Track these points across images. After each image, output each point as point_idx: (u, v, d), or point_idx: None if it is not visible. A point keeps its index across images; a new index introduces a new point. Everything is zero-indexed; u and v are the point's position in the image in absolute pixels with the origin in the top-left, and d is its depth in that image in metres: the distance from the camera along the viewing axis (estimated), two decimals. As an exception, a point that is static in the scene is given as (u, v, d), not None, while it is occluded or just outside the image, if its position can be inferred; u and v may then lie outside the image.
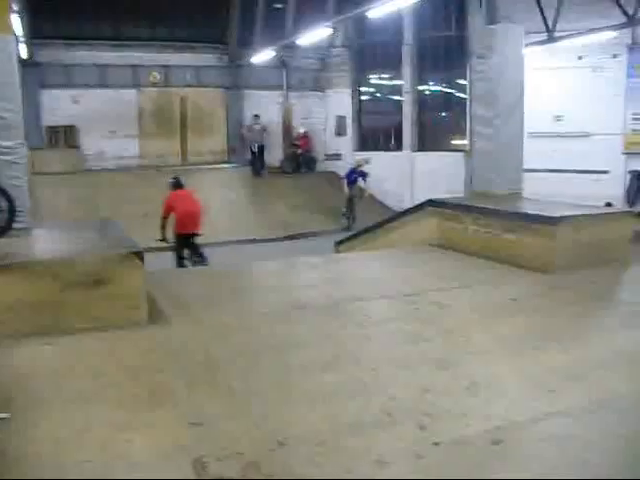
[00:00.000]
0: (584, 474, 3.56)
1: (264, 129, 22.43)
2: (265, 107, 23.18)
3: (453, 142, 21.94)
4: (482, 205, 8.30)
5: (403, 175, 21.99)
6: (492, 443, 4.00)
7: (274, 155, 23.28)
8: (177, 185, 13.10)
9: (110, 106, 20.86)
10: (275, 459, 3.77)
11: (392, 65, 22.81)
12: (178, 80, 22.09)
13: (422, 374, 4.87)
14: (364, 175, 19.80)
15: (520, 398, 4.57)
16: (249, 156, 22.36)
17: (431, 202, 9.11)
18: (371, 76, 23.79)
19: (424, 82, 22.57)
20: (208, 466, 3.65)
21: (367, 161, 19.90)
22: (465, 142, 20.94)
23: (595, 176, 18.28)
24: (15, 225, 7.67)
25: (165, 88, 21.96)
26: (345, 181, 19.79)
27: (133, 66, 21.28)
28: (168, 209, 12.49)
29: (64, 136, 20.60)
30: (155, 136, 21.84)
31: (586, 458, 3.87)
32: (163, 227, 12.43)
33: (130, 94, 21.40)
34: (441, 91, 22.50)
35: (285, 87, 23.62)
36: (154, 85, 21.77)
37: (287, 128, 23.73)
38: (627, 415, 4.45)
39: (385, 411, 4.29)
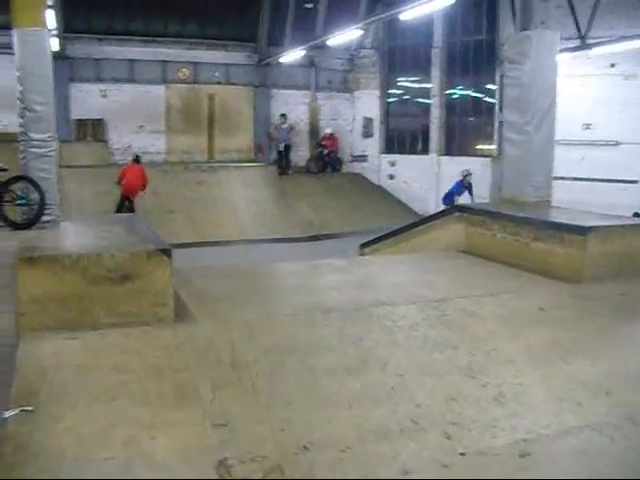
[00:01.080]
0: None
1: (291, 128, 22.47)
2: (293, 107, 23.24)
3: (480, 147, 21.83)
4: (511, 212, 8.21)
5: (429, 179, 21.91)
6: (519, 455, 3.96)
7: (300, 155, 23.33)
8: (135, 161, 17.75)
9: (138, 101, 21.02)
10: (299, 463, 3.76)
11: (421, 68, 22.76)
12: (207, 77, 22.17)
13: (449, 382, 4.82)
14: (471, 188, 17.53)
15: (547, 410, 4.52)
16: (275, 155, 22.39)
17: (458, 207, 9.05)
18: (400, 78, 23.72)
19: (452, 86, 22.48)
20: (232, 468, 3.64)
21: (469, 172, 17.61)
22: (492, 147, 20.82)
23: (623, 185, 18.10)
24: (44, 218, 7.73)
25: (194, 85, 22.05)
26: (456, 198, 16.80)
27: (162, 62, 21.39)
28: (121, 175, 16.97)
29: (92, 130, 20.76)
30: (182, 132, 21.94)
31: (611, 474, 3.82)
32: (118, 183, 16.88)
33: (159, 90, 21.51)
34: (469, 95, 22.38)
35: (313, 87, 23.62)
36: (183, 82, 21.86)
37: (314, 128, 23.72)
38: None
39: (411, 418, 4.25)
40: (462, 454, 3.95)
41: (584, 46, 16.57)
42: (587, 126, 18.76)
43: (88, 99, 20.52)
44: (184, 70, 21.75)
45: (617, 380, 5.12)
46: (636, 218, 13.25)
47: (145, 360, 4.67)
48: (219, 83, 22.33)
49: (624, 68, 18.06)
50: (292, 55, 20.82)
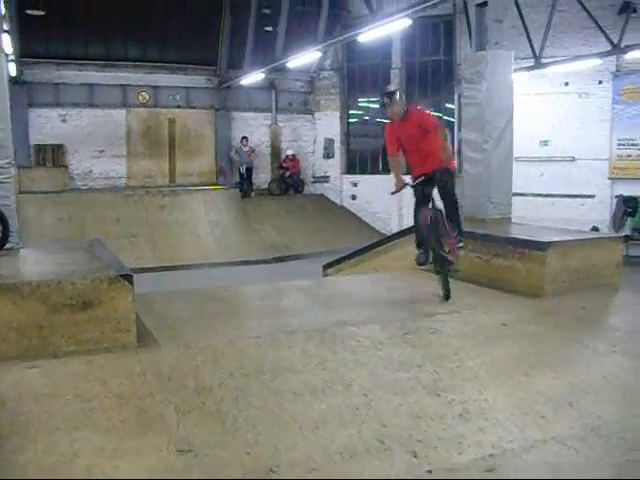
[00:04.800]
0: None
1: (252, 151, 22.45)
2: (254, 129, 23.23)
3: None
4: (471, 230, 8.29)
5: (391, 198, 21.91)
6: (485, 471, 3.98)
7: (262, 177, 23.29)
8: None
9: (99, 126, 20.83)
10: (266, 486, 3.73)
11: (381, 88, 22.90)
12: (167, 101, 22.07)
13: (414, 400, 4.84)
14: None
15: (512, 425, 4.56)
16: (237, 178, 22.36)
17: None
18: (360, 99, 23.86)
19: (412, 106, 22.67)
20: (198, 494, 3.60)
21: None
22: (453, 166, 21.01)
23: (581, 200, 18.41)
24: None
25: (154, 108, 21.91)
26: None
27: (122, 86, 21.23)
28: None
29: (52, 155, 20.49)
30: (143, 157, 21.78)
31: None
32: None
33: (119, 114, 21.35)
34: (429, 115, 22.58)
35: (274, 109, 23.65)
36: (143, 105, 21.73)
37: (275, 150, 23.75)
38: (617, 442, 4.45)
39: (377, 438, 4.26)
40: (429, 471, 3.96)
41: (539, 65, 16.88)
42: (545, 143, 19.06)
43: (47, 124, 20.29)
44: (144, 94, 21.64)
45: (580, 392, 5.18)
46: (594, 232, 13.47)
47: (108, 387, 4.62)
48: (179, 107, 22.24)
49: (578, 86, 18.42)
50: (252, 78, 20.84)
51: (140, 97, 21.62)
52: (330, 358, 5.38)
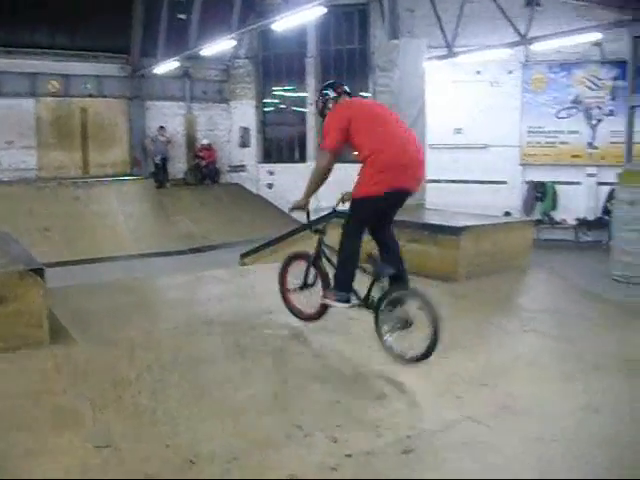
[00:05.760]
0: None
1: (168, 141, 22.14)
2: (169, 118, 22.88)
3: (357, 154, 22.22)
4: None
5: (308, 187, 22.06)
6: (403, 452, 4.05)
7: (178, 167, 23.01)
8: None
9: (6, 116, 20.09)
10: (186, 478, 3.70)
11: (296, 77, 22.93)
12: (79, 90, 21.47)
13: (332, 386, 4.88)
14: None
15: (429, 406, 4.65)
16: (152, 168, 22.01)
17: (335, 213, 9.15)
18: (275, 88, 23.81)
19: (328, 94, 22.77)
20: (116, 489, 3.55)
21: None
22: (368, 153, 21.21)
23: (494, 186, 18.88)
24: None
25: (65, 98, 21.30)
26: None
27: (31, 74, 20.52)
28: None
29: (-44, 147, 19.78)
30: (55, 147, 21.15)
31: (494, 462, 3.97)
32: None
33: (28, 103, 20.63)
34: (345, 103, 22.74)
35: (189, 98, 23.36)
36: (53, 95, 21.09)
37: (191, 139, 23.48)
38: (528, 417, 4.60)
39: (296, 425, 4.27)
40: (348, 455, 4.00)
41: (451, 54, 17.21)
42: (458, 130, 19.45)
43: (-49, 115, 19.56)
44: (54, 82, 20.99)
45: (493, 372, 5.33)
46: (506, 217, 13.86)
47: (20, 385, 4.50)
48: (91, 96, 21.68)
49: (490, 75, 18.88)
50: (166, 66, 20.52)
51: (50, 86, 20.97)
52: (249, 347, 5.38)
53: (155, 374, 4.82)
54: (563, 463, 4.09)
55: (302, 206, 5.85)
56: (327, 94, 5.84)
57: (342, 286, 5.40)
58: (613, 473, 4.00)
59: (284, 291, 6.09)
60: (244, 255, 10.84)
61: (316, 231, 5.63)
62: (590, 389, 5.14)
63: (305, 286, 5.86)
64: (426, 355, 4.97)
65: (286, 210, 21.84)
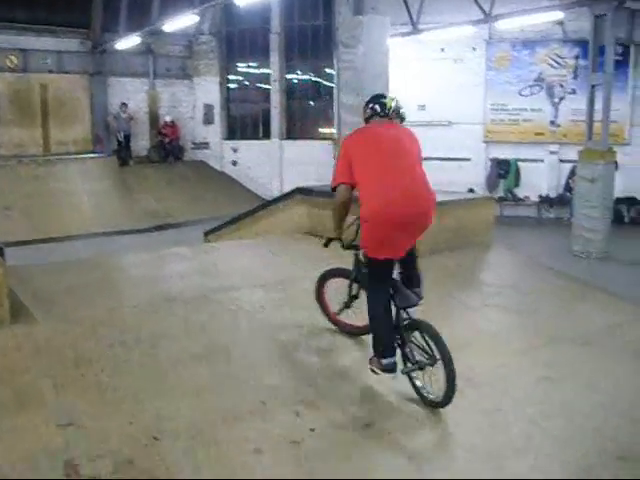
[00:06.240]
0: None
1: (131, 118, 21.86)
2: (131, 95, 22.54)
3: (322, 130, 22.18)
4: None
5: (272, 164, 22.01)
6: (365, 425, 4.09)
7: (141, 144, 22.74)
8: None
9: (-38, 92, 19.72)
10: (150, 455, 3.71)
11: (260, 53, 22.74)
12: (38, 65, 21.04)
13: (296, 361, 4.91)
14: None
15: (391, 381, 4.67)
16: (115, 146, 21.74)
17: (300, 190, 9.14)
18: (239, 64, 23.61)
19: (292, 71, 22.65)
20: (80, 468, 3.54)
21: None
22: (333, 130, 21.20)
23: (458, 163, 18.97)
24: None
25: (24, 73, 20.86)
26: None
27: (-13, 49, 20.14)
28: None
29: None
30: (14, 125, 20.71)
31: (454, 433, 4.03)
32: None
33: (-16, 79, 20.26)
34: (309, 80, 22.65)
35: (152, 74, 23.06)
36: (12, 70, 20.66)
37: (154, 116, 23.21)
38: (488, 389, 4.69)
39: (260, 400, 4.29)
40: (312, 430, 4.03)
41: (415, 31, 17.20)
42: (422, 107, 19.45)
43: None
44: (12, 57, 20.53)
45: (456, 346, 5.37)
46: (469, 194, 13.95)
47: (-20, 364, 4.44)
48: (51, 71, 21.26)
49: (453, 52, 18.91)
50: (128, 41, 20.16)
51: (8, 61, 20.51)
52: (211, 324, 5.37)
53: (118, 352, 4.79)
54: (521, 432, 4.18)
55: (337, 237, 5.01)
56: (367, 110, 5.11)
57: (383, 351, 4.56)
58: (569, 439, 4.11)
59: (329, 314, 5.49)
60: (208, 233, 10.79)
61: (349, 247, 5.02)
62: (548, 361, 5.25)
63: (351, 300, 5.32)
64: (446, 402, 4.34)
65: (251, 187, 21.89)
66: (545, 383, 4.87)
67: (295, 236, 8.25)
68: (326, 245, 5.10)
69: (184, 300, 5.79)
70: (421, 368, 4.48)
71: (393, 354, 4.53)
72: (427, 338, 4.48)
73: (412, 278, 4.84)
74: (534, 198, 18.49)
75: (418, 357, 4.51)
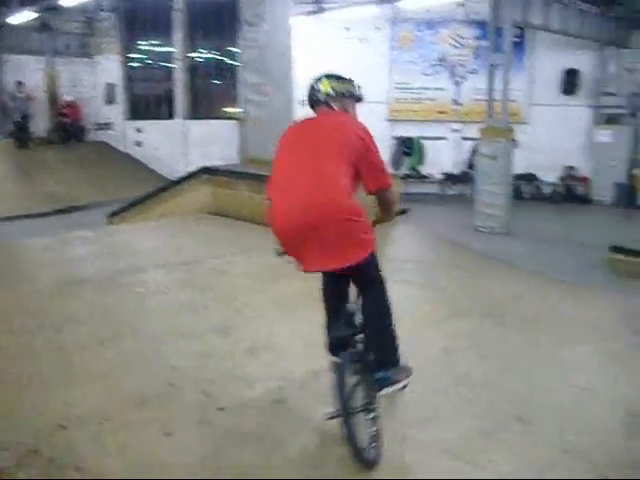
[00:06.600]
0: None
1: (28, 97, 21.08)
2: (28, 73, 21.73)
3: (227, 109, 21.97)
4: (255, 171, 8.38)
5: (176, 143, 21.68)
6: (274, 402, 4.12)
7: (40, 126, 21.99)
8: None
9: None
10: (57, 443, 3.64)
11: (162, 31, 22.23)
12: None
13: (203, 342, 4.89)
14: None
15: (298, 357, 4.73)
16: (12, 127, 20.96)
17: (205, 170, 9.07)
18: (141, 42, 23.08)
19: (196, 49, 22.30)
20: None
21: None
22: (238, 110, 21.05)
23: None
24: None
25: None
26: None
27: None
28: None
29: None
30: None
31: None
32: None
33: None
34: (213, 59, 22.35)
35: (50, 52, 22.28)
36: None
37: (53, 96, 22.47)
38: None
39: (168, 382, 4.27)
40: (221, 409, 4.03)
41: (319, 10, 17.23)
42: (327, 86, 19.48)
43: None
44: None
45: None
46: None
47: None
48: (-60, 47, 20.39)
49: (358, 32, 19.01)
50: (22, 16, 19.40)
51: None
52: (117, 306, 5.30)
53: (21, 339, 4.68)
54: (424, 401, 4.30)
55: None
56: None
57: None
58: (469, 405, 4.26)
59: None
60: (111, 215, 10.59)
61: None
62: (451, 333, 5.40)
63: None
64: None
65: (156, 168, 21.52)
66: (444, 354, 5.03)
67: (199, 217, 8.20)
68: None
69: (88, 283, 5.69)
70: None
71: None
72: None
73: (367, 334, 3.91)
74: (438, 175, 18.86)
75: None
